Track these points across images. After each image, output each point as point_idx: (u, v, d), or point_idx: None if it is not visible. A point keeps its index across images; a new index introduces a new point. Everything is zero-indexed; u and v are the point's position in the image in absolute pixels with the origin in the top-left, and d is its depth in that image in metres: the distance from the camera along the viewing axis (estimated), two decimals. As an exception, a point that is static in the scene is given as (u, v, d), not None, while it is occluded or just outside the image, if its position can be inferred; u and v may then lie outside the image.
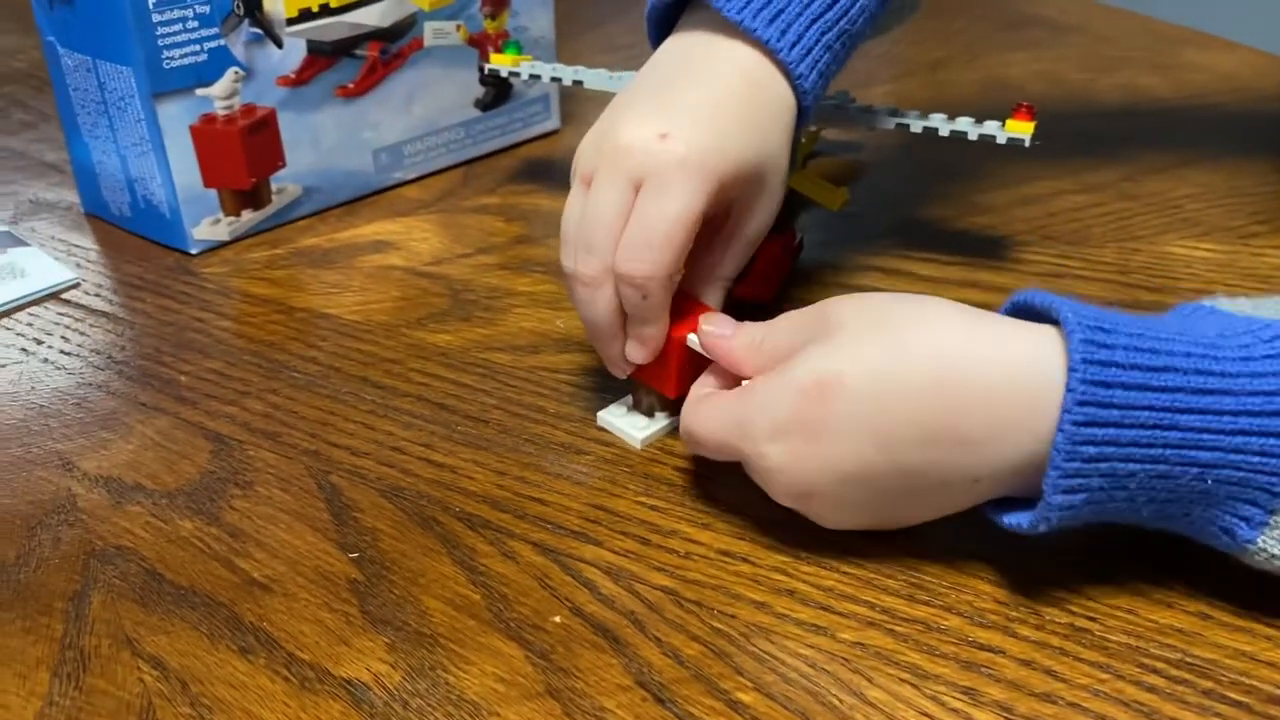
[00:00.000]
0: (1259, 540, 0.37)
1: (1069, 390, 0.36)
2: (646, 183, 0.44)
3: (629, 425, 0.49)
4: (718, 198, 0.45)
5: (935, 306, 0.40)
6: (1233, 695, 0.37)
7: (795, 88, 0.48)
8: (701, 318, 0.45)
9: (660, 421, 0.49)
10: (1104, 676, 0.38)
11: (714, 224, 0.46)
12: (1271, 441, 0.36)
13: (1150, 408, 0.36)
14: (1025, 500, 0.39)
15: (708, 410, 0.42)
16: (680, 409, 0.45)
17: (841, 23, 0.49)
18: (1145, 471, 0.36)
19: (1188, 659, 0.38)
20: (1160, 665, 0.38)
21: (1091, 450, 0.36)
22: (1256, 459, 0.36)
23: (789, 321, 0.43)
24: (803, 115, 0.49)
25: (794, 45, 0.47)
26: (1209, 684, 0.37)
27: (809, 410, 0.39)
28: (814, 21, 0.48)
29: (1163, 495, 0.37)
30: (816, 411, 0.39)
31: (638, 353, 0.46)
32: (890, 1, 0.51)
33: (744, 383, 0.43)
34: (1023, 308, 0.40)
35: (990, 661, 0.38)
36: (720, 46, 0.48)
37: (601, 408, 0.50)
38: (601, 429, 0.49)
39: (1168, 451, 0.36)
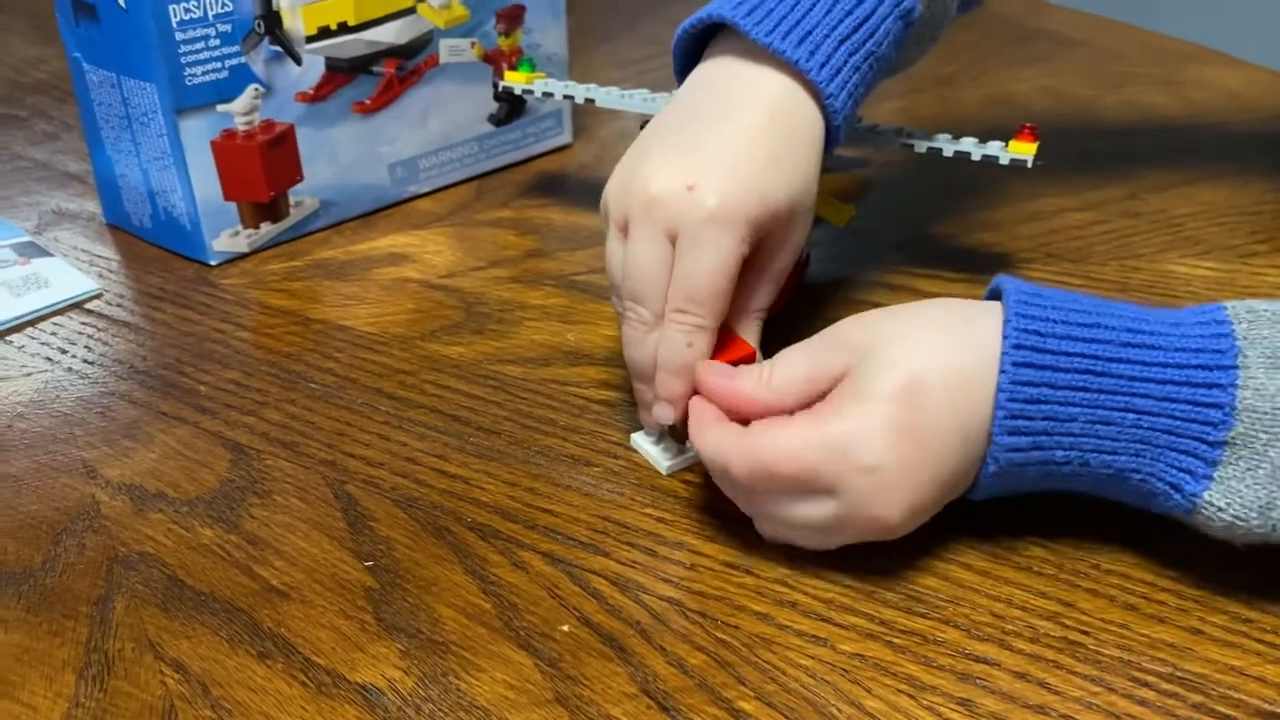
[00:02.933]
0: (1205, 494, 0.39)
1: (1005, 338, 0.40)
2: (681, 236, 0.45)
3: (658, 452, 0.49)
4: (752, 240, 0.45)
5: (923, 305, 0.43)
6: (1222, 709, 0.38)
7: (825, 109, 0.48)
8: (697, 368, 0.45)
9: (690, 451, 0.49)
10: (1096, 689, 0.39)
11: (747, 259, 0.46)
12: (1199, 392, 0.39)
13: (1082, 355, 0.39)
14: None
15: (785, 437, 0.41)
16: None
17: (868, 44, 0.49)
18: (1085, 415, 0.40)
19: (1179, 673, 0.39)
20: (1152, 679, 0.39)
21: (1030, 391, 0.39)
22: (1187, 407, 0.39)
23: (797, 352, 0.43)
24: (832, 137, 0.49)
25: (823, 66, 0.48)
26: (1199, 698, 0.38)
27: (908, 414, 0.40)
28: (842, 43, 0.48)
29: (1107, 445, 0.40)
30: (915, 414, 0.40)
31: (667, 412, 0.46)
32: (914, 27, 0.52)
33: (800, 414, 0.42)
34: (993, 292, 0.44)
35: (986, 674, 0.39)
36: (748, 75, 0.48)
37: (610, 421, 0.51)
38: (630, 449, 0.50)
39: (1103, 396, 0.39)
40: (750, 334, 0.48)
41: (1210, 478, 0.39)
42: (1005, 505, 0.44)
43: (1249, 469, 0.38)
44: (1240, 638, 0.40)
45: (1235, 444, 0.38)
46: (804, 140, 0.48)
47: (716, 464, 0.42)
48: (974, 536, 0.44)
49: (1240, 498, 0.39)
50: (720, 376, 0.44)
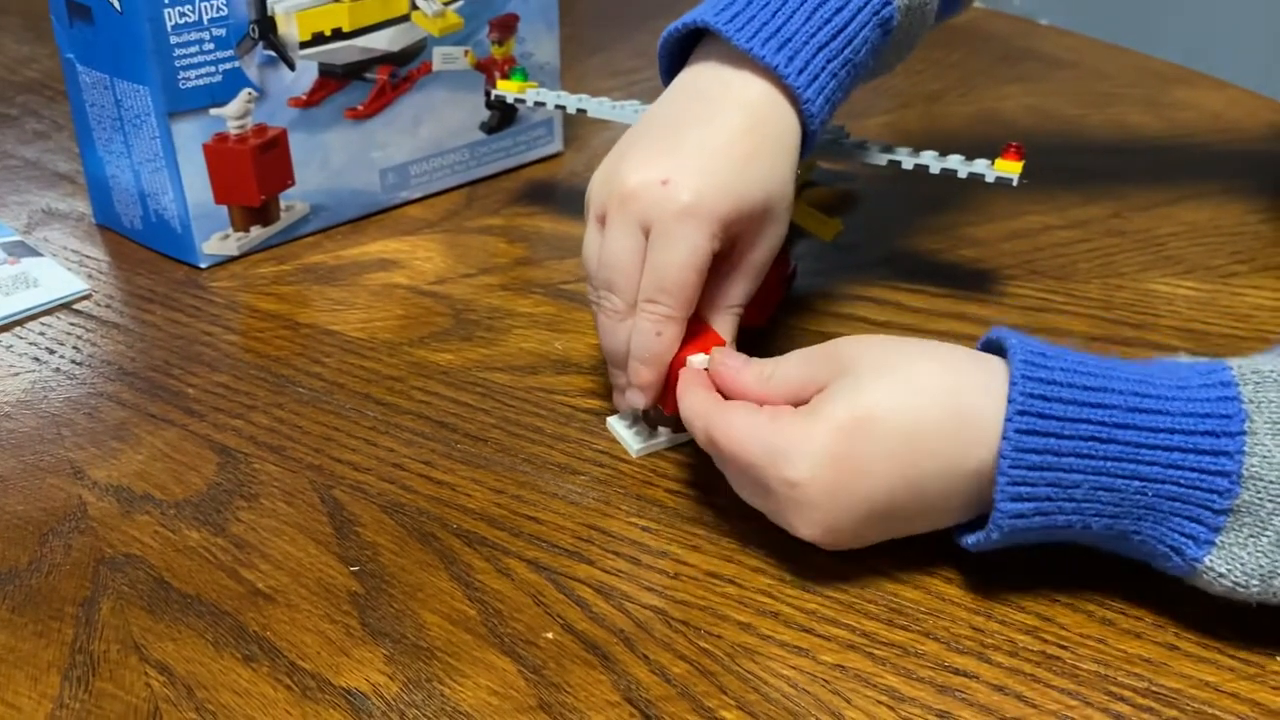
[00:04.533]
0: (1206, 560, 0.39)
1: (1010, 402, 0.39)
2: (653, 229, 0.46)
3: (630, 435, 0.51)
4: (723, 236, 0.47)
5: (926, 345, 0.43)
6: (1195, 724, 0.39)
7: (802, 114, 0.50)
8: (714, 350, 0.47)
9: (660, 436, 0.51)
10: (1073, 703, 0.39)
11: (722, 255, 0.48)
12: (1206, 460, 0.38)
13: (1088, 421, 0.39)
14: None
15: (740, 426, 0.43)
16: (683, 428, 0.47)
17: (846, 51, 0.50)
18: (1089, 483, 0.39)
19: (1154, 687, 0.40)
20: (1127, 693, 0.40)
21: (1035, 458, 0.39)
22: (1193, 475, 0.38)
23: (798, 357, 0.44)
24: (809, 141, 0.51)
25: (801, 72, 0.49)
26: (1174, 712, 0.39)
27: (846, 445, 0.40)
28: (820, 50, 0.50)
29: (1109, 510, 0.40)
30: (854, 447, 0.40)
31: (639, 398, 0.48)
32: (892, 35, 0.53)
33: (769, 408, 0.43)
34: (992, 344, 0.43)
35: (965, 686, 0.40)
36: (729, 79, 0.49)
37: (597, 430, 0.52)
38: (610, 439, 0.52)
39: (1108, 464, 0.39)
40: (724, 327, 0.50)
41: (1213, 543, 0.39)
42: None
43: (1252, 536, 0.38)
44: (1215, 654, 0.41)
45: (1240, 511, 0.38)
46: (780, 143, 0.49)
47: (687, 420, 0.45)
48: (956, 550, 0.45)
49: (1242, 565, 0.38)
50: (731, 360, 0.46)
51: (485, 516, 0.47)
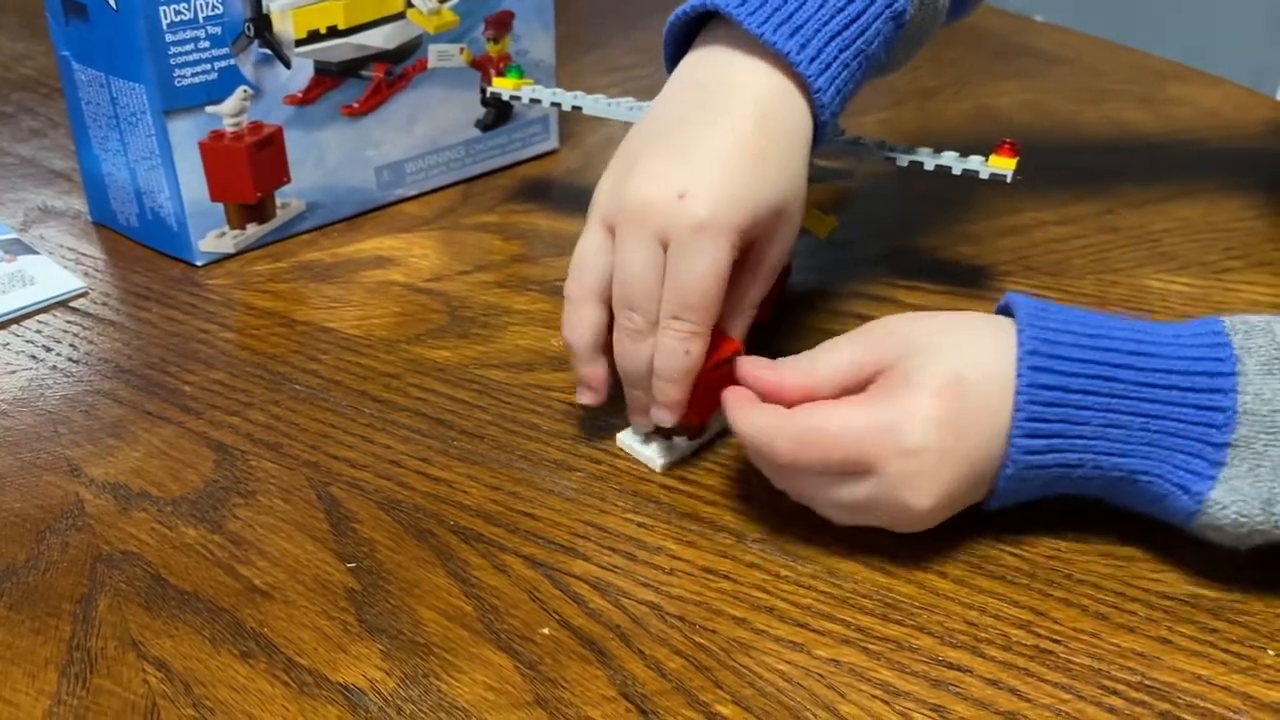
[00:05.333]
0: (1210, 494, 0.41)
1: (1019, 345, 0.42)
2: (672, 243, 0.45)
3: (651, 451, 0.50)
4: (741, 245, 0.46)
5: (957, 315, 0.46)
6: (1188, 717, 0.39)
7: (813, 104, 0.49)
8: (740, 361, 0.46)
9: (681, 446, 0.50)
10: (1066, 697, 0.39)
11: (737, 259, 0.47)
12: (1203, 397, 0.41)
13: (1094, 361, 0.42)
14: None
15: (833, 420, 0.43)
16: (698, 434, 0.48)
17: (859, 42, 0.50)
18: (1098, 419, 0.42)
19: (1147, 681, 0.40)
20: (1120, 687, 0.40)
21: (1047, 394, 0.41)
22: (1191, 411, 0.41)
23: (842, 345, 0.45)
24: (819, 134, 0.50)
25: (813, 60, 0.48)
26: (1166, 705, 0.39)
27: (949, 408, 0.42)
28: (833, 38, 0.49)
29: (1117, 448, 0.42)
30: (955, 409, 0.42)
31: (666, 416, 0.47)
32: (905, 29, 0.52)
33: (844, 399, 0.43)
34: (1003, 310, 0.46)
35: (958, 680, 0.40)
36: (737, 71, 0.48)
37: (593, 427, 0.52)
38: (614, 454, 0.51)
39: (1114, 400, 0.42)
40: (739, 330, 0.49)
41: (1214, 478, 0.41)
42: (982, 515, 0.45)
43: (1251, 468, 0.41)
44: (1207, 648, 0.41)
45: (1238, 446, 0.41)
46: (792, 141, 0.48)
47: (760, 444, 0.44)
48: (950, 545, 0.45)
49: (1243, 495, 0.41)
50: (763, 369, 0.46)
51: (481, 513, 0.48)
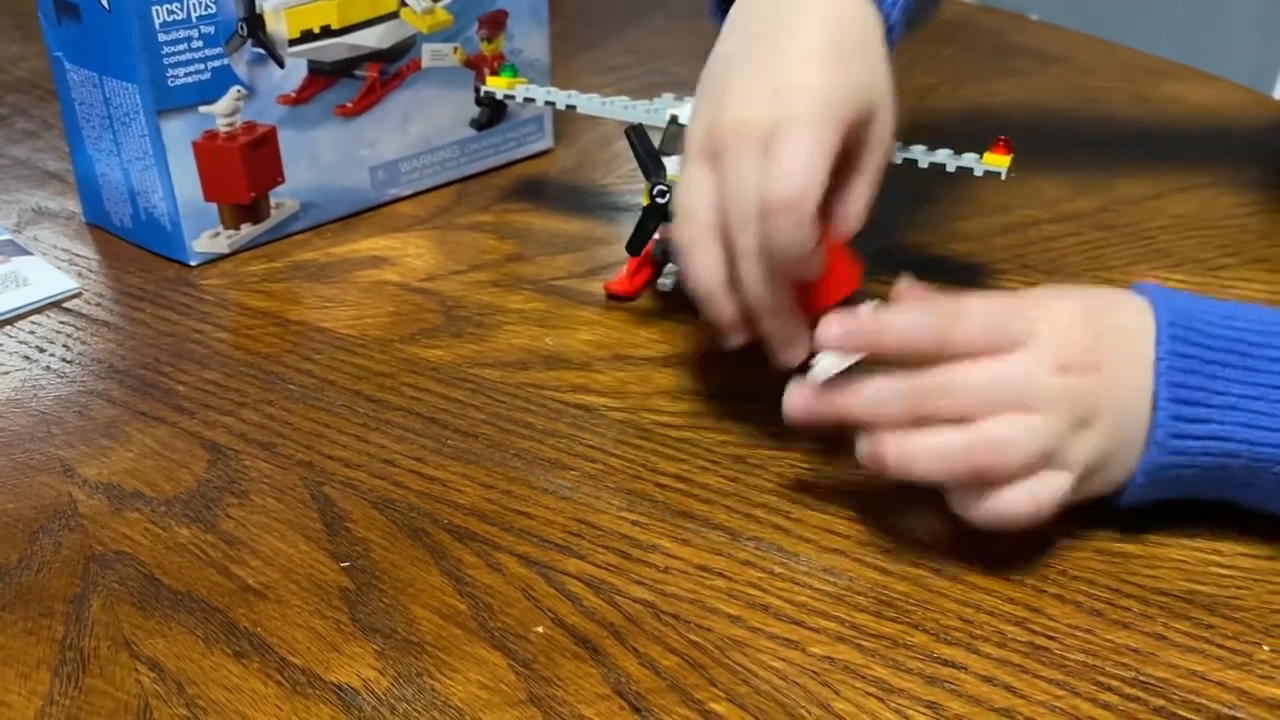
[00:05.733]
0: None
1: (1156, 318, 0.43)
2: (774, 141, 0.44)
3: (833, 361, 0.44)
4: (841, 138, 0.45)
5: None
6: (1183, 713, 0.39)
7: (879, 11, 0.49)
8: (857, 323, 0.44)
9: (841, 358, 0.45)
10: (1061, 693, 0.39)
11: (838, 166, 0.46)
12: None
13: (1228, 336, 0.43)
14: None
15: (982, 370, 0.42)
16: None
17: None
18: (1237, 390, 0.42)
19: (1141, 677, 0.40)
20: (1115, 684, 0.40)
21: (1185, 362, 0.42)
22: None
23: (980, 306, 0.44)
24: (888, 39, 0.49)
25: None
26: (1161, 701, 0.39)
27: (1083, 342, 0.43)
28: None
29: (1262, 420, 0.42)
30: (1091, 340, 0.43)
31: (829, 333, 0.44)
32: None
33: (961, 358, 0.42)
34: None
35: (953, 677, 0.40)
36: None
37: (587, 425, 0.52)
38: (612, 449, 0.51)
39: (1253, 374, 0.42)
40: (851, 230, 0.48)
41: None
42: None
43: None
44: (1202, 644, 0.41)
45: None
46: (869, 40, 0.48)
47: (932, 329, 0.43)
48: (944, 542, 0.45)
49: None
50: (898, 317, 0.44)
51: (476, 512, 0.47)
